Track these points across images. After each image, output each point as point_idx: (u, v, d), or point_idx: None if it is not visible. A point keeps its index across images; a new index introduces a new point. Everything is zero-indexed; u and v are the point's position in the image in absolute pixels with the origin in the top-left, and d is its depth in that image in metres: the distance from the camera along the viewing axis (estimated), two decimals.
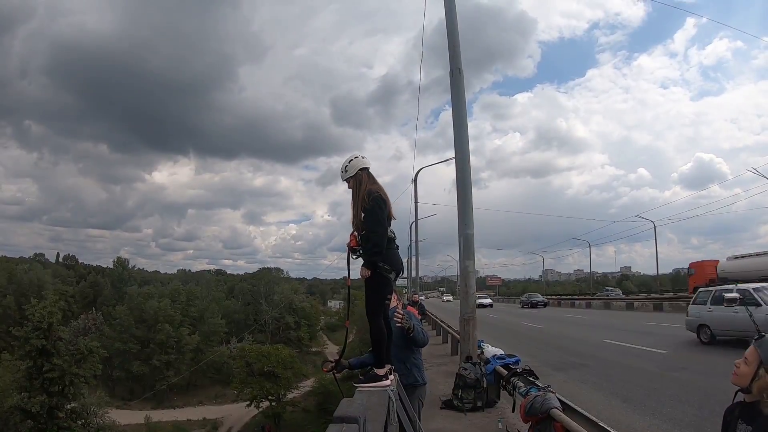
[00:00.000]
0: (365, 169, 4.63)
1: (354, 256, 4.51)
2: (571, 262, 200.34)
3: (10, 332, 34.47)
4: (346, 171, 4.63)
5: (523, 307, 55.45)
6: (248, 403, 49.55)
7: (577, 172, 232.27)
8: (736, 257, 36.62)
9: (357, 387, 4.28)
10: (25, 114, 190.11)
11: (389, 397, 3.87)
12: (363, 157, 4.68)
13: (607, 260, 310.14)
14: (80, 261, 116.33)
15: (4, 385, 29.64)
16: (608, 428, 5.53)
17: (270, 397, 48.91)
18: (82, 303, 77.41)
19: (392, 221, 4.63)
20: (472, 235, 11.30)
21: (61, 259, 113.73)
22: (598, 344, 18.26)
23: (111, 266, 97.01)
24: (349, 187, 4.65)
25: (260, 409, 50.12)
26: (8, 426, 28.76)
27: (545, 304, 54.25)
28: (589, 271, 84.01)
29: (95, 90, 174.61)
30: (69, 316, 57.10)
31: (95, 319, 64.03)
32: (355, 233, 4.47)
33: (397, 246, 4.71)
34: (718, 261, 38.39)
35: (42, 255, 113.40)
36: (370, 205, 4.36)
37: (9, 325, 39.29)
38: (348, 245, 4.49)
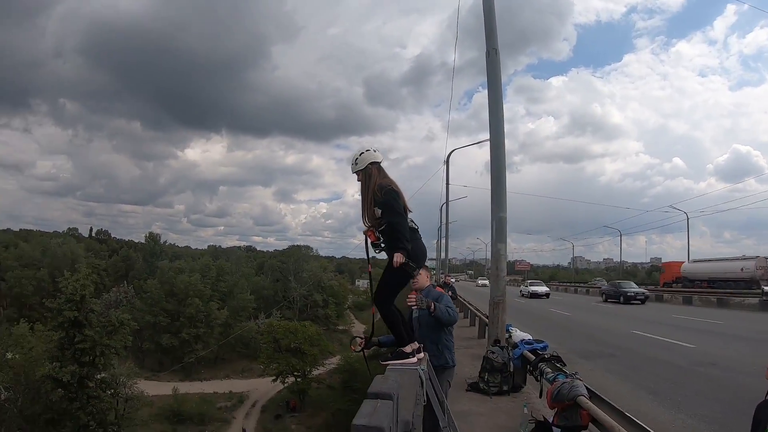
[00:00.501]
0: (376, 163, 4.52)
1: (377, 251, 4.50)
2: (601, 251, 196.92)
3: (43, 304, 35.15)
4: (357, 164, 4.53)
5: (607, 300, 36.16)
6: (274, 378, 50.28)
7: (611, 159, 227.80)
8: (695, 261, 46.33)
9: (384, 364, 4.26)
10: (59, 92, 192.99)
11: (420, 377, 3.90)
12: (375, 151, 4.56)
13: (637, 250, 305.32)
14: (113, 236, 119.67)
15: (36, 355, 30.26)
16: (635, 419, 5.44)
17: (296, 373, 49.56)
18: (114, 276, 79.42)
19: (409, 212, 4.50)
20: (504, 219, 11.27)
21: (94, 234, 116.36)
22: (625, 335, 17.88)
23: (143, 241, 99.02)
24: (358, 180, 4.57)
25: (286, 385, 50.93)
26: (40, 394, 29.50)
27: (645, 299, 34.00)
28: (619, 260, 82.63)
29: (129, 69, 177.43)
30: (101, 289, 58.53)
31: (126, 292, 65.60)
32: (372, 229, 4.39)
33: (420, 236, 4.62)
34: (683, 262, 47.47)
35: (75, 229, 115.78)
36: (384, 198, 4.28)
37: (42, 297, 40.06)
38: (364, 232, 4.44)
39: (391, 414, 2.31)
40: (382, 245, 4.40)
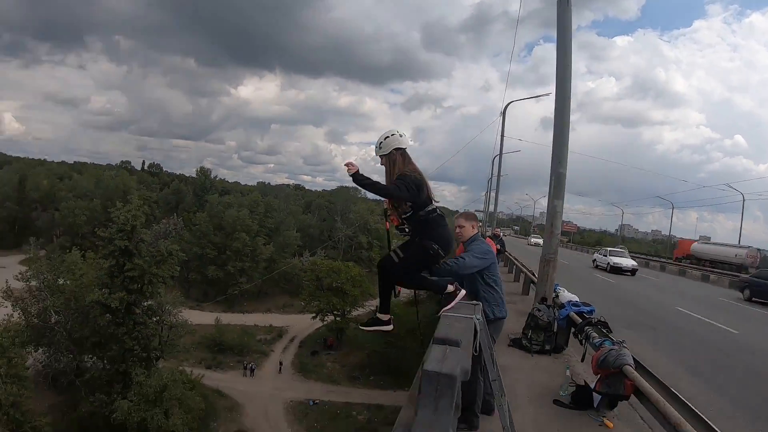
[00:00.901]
0: (401, 149, 4.36)
1: (402, 235, 4.51)
2: (650, 222, 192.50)
3: (95, 233, 36.06)
4: (381, 147, 4.38)
5: (751, 299, 22.36)
6: (314, 315, 51.28)
7: (671, 127, 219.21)
8: (705, 243, 52.85)
9: (440, 315, 4.05)
10: (114, 29, 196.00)
11: (475, 326, 3.81)
12: (401, 135, 4.38)
13: (687, 226, 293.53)
14: (164, 169, 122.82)
15: (87, 281, 31.33)
16: (680, 395, 5.44)
17: (335, 312, 50.45)
18: (164, 208, 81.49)
19: (435, 202, 4.43)
20: (564, 175, 10.97)
21: (146, 167, 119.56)
22: (669, 310, 17.46)
23: (194, 175, 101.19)
24: (381, 164, 4.45)
25: (325, 323, 51.90)
26: (88, 319, 30.78)
27: None
28: (667, 233, 79.28)
29: (185, 5, 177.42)
30: (151, 220, 59.78)
31: (176, 224, 66.68)
32: (395, 214, 4.37)
33: (447, 223, 4.54)
34: (693, 242, 54.50)
35: (128, 162, 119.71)
36: (398, 178, 4.20)
37: (95, 226, 41.42)
38: (385, 210, 4.45)
39: (460, 361, 2.21)
40: (407, 230, 4.38)
